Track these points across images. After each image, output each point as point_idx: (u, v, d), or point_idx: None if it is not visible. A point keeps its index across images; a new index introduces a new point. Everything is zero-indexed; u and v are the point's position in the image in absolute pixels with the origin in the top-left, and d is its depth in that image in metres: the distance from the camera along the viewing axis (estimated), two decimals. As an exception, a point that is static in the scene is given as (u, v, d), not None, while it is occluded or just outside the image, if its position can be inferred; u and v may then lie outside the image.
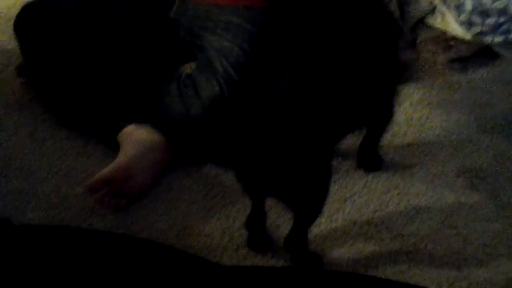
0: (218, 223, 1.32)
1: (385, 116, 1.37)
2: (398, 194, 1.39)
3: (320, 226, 1.31)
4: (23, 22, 1.56)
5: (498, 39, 1.76)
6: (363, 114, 1.29)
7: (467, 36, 1.80)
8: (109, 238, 0.78)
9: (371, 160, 1.44)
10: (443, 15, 1.84)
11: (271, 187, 1.11)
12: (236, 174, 1.17)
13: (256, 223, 1.24)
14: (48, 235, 0.75)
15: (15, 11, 1.62)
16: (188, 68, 1.63)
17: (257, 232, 1.25)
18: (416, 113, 1.62)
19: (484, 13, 1.73)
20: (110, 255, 0.71)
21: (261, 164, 1.08)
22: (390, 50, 1.31)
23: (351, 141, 1.41)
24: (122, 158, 1.37)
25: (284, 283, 0.94)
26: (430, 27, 1.86)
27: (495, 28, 1.74)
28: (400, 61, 1.34)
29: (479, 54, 1.81)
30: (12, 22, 1.59)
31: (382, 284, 1.03)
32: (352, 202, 1.36)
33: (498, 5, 1.70)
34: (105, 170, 1.33)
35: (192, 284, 0.84)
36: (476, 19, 1.74)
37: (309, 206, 1.15)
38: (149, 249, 0.76)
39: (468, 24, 1.77)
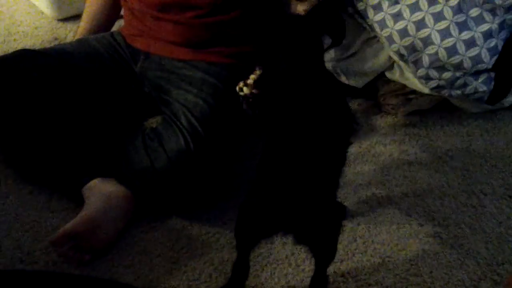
0: (184, 276, 1.31)
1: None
2: (363, 243, 1.40)
3: (287, 277, 1.31)
4: (-14, 78, 1.56)
5: (455, 92, 1.81)
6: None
7: (425, 89, 1.84)
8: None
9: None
10: (401, 70, 1.89)
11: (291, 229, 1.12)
12: (236, 226, 1.17)
13: (241, 273, 1.23)
14: (18, 279, 0.74)
15: (-22, 67, 1.62)
16: (153, 122, 1.64)
17: (240, 280, 1.24)
18: (378, 164, 1.65)
19: (441, 68, 1.78)
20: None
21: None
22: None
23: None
24: (86, 212, 1.36)
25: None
26: (389, 81, 1.91)
27: (452, 82, 1.79)
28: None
29: (438, 107, 1.86)
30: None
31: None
32: (319, 252, 1.37)
33: (454, 60, 1.75)
34: (69, 225, 1.32)
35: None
36: (434, 73, 1.79)
37: (323, 245, 1.16)
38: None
39: (426, 78, 1.82)
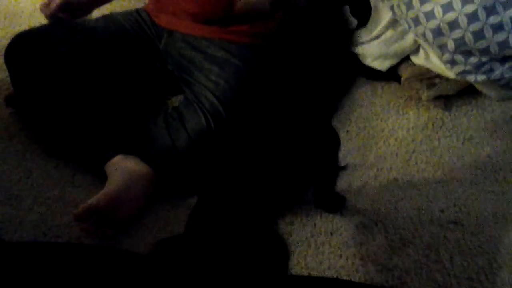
0: (204, 254, 1.32)
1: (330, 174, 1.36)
2: (384, 227, 1.40)
3: (306, 258, 1.31)
4: (14, 52, 1.56)
5: (481, 77, 1.79)
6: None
7: (451, 74, 1.83)
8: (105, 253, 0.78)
9: (330, 202, 1.43)
10: (426, 54, 1.87)
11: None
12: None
13: None
14: (41, 251, 0.75)
15: (5, 42, 1.63)
16: (175, 101, 1.65)
17: None
18: (401, 149, 1.64)
19: (467, 53, 1.76)
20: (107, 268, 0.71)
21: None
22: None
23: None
24: (109, 188, 1.37)
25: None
26: (414, 65, 1.89)
27: (477, 67, 1.77)
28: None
29: (462, 92, 1.85)
30: (2, 52, 1.59)
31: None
32: (339, 235, 1.37)
33: (480, 45, 1.73)
34: (93, 200, 1.33)
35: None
36: (459, 58, 1.77)
37: None
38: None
39: (452, 63, 1.80)
